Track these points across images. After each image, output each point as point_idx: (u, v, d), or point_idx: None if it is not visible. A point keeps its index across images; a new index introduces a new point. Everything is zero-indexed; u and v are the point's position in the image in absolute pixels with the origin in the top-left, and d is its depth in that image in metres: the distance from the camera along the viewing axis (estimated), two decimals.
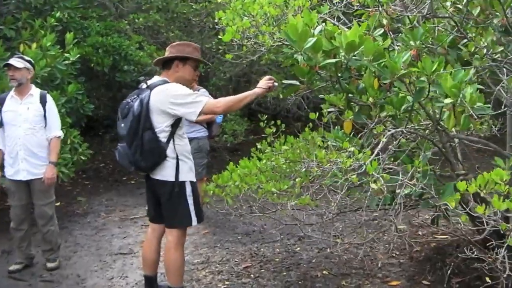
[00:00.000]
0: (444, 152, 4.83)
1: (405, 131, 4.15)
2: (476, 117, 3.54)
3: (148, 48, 10.26)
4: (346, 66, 4.08)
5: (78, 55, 8.21)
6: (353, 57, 4.04)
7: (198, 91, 7.50)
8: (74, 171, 7.74)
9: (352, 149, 3.60)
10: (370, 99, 4.01)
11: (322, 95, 4.74)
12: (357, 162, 3.48)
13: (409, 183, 3.59)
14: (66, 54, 8.07)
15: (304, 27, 3.92)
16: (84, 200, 8.95)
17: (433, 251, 5.76)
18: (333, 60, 4.02)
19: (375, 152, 3.75)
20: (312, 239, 6.21)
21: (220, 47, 10.21)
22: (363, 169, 3.50)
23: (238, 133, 10.73)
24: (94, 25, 9.91)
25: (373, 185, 3.38)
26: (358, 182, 3.67)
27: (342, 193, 3.84)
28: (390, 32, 4.83)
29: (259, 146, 5.03)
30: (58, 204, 8.56)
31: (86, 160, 8.14)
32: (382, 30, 4.59)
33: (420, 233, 6.44)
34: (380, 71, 4.18)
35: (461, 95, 3.56)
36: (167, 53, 4.77)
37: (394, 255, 5.82)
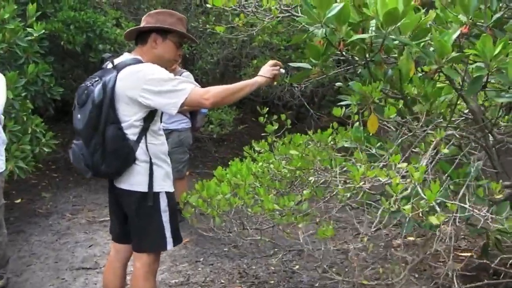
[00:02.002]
0: (492, 159, 3.79)
1: (457, 135, 3.10)
2: None
3: (126, 26, 9.05)
4: (381, 45, 3.00)
5: (44, 31, 7.06)
6: (390, 33, 2.97)
7: (181, 75, 6.41)
8: (34, 165, 6.61)
9: (403, 165, 2.53)
10: (414, 90, 2.95)
11: (340, 83, 3.68)
12: (406, 182, 2.41)
13: (478, 214, 2.52)
14: (29, 29, 6.90)
15: None
16: (49, 197, 7.80)
17: None
18: (366, 36, 2.95)
19: (423, 164, 2.70)
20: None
21: (208, 25, 9.09)
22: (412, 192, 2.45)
23: (226, 123, 9.63)
24: None
25: (433, 219, 2.32)
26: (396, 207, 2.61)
27: (377, 220, 2.76)
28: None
29: (256, 148, 3.94)
30: (19, 201, 7.54)
31: (50, 152, 7.00)
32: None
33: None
34: (424, 53, 3.12)
35: None
36: (143, 23, 3.66)
37: None
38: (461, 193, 2.99)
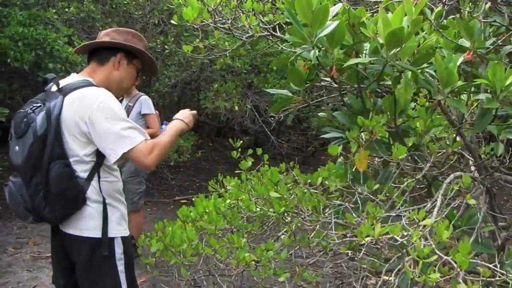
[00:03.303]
0: (493, 200, 3.39)
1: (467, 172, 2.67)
2: None
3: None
4: (382, 71, 2.56)
5: None
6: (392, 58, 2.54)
7: (138, 98, 5.90)
8: None
9: (428, 222, 2.07)
10: (419, 124, 2.52)
11: (324, 113, 3.24)
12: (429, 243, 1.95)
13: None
14: None
15: (322, 2, 2.39)
16: None
17: None
18: (366, 60, 2.51)
19: (434, 213, 2.26)
20: None
21: (166, 46, 8.61)
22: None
23: (184, 150, 9.08)
24: (16, 14, 8.14)
25: None
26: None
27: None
28: None
29: (228, 187, 3.45)
30: None
31: None
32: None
33: None
34: (426, 82, 2.70)
35: None
36: (106, 38, 3.12)
37: None
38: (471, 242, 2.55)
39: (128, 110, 5.83)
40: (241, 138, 8.34)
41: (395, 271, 2.19)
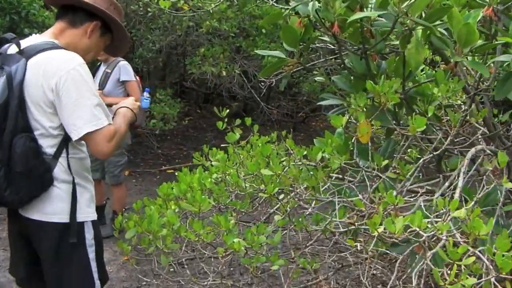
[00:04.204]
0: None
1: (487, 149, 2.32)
2: None
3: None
4: (392, 27, 2.19)
5: None
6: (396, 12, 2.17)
7: (116, 64, 5.50)
8: None
9: (461, 213, 1.71)
10: (437, 90, 2.16)
11: (321, 78, 2.87)
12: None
13: None
14: None
15: None
16: None
17: None
18: (372, 14, 2.13)
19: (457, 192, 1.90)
20: None
21: (149, 9, 8.15)
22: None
23: (169, 118, 8.68)
24: None
25: None
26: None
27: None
28: None
29: (213, 161, 3.10)
30: None
31: None
32: None
33: None
34: (440, 41, 2.33)
35: None
36: None
37: None
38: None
39: (106, 77, 5.45)
40: (229, 105, 7.89)
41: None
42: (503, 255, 1.50)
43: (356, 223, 2.09)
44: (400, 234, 1.67)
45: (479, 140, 3.29)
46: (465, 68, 3.03)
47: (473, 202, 2.11)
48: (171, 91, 9.40)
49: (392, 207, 1.82)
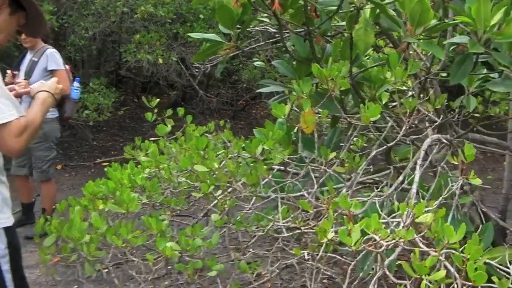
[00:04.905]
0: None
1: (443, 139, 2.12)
2: None
3: None
4: (339, 5, 1.96)
5: None
6: None
7: (44, 52, 5.14)
8: None
9: (428, 219, 1.48)
10: (390, 75, 1.94)
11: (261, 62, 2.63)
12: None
13: None
14: None
15: None
16: None
17: None
18: None
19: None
20: None
21: None
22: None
23: (104, 108, 8.31)
24: None
25: None
26: None
27: None
28: None
29: (143, 157, 2.83)
30: None
31: None
32: None
33: None
34: (391, 20, 2.12)
35: None
36: None
37: None
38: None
39: (32, 66, 5.08)
40: (168, 94, 7.55)
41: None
42: (475, 267, 1.29)
43: (302, 228, 1.86)
44: (358, 247, 1.44)
45: (428, 128, 3.12)
46: (412, 51, 2.85)
47: (428, 195, 1.92)
48: (106, 80, 9.02)
49: (346, 211, 1.59)
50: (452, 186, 2.18)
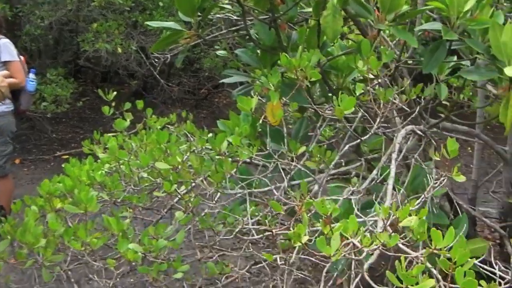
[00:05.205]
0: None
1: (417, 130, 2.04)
2: None
3: None
4: None
5: None
6: None
7: None
8: None
9: (412, 222, 1.38)
10: (362, 64, 1.84)
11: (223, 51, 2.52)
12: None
13: None
14: None
15: None
16: None
17: None
18: None
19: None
20: None
21: None
22: None
23: (62, 99, 8.08)
24: None
25: None
26: None
27: None
28: None
29: (100, 153, 2.69)
30: None
31: None
32: None
33: None
34: (360, 6, 2.02)
35: None
36: None
37: None
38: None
39: None
40: (128, 83, 7.35)
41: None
42: (464, 272, 1.20)
43: (273, 231, 1.76)
44: (339, 256, 1.34)
45: (396, 117, 3.04)
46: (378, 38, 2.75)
47: (402, 189, 1.83)
48: (64, 71, 8.76)
49: (323, 215, 1.49)
50: (430, 181, 2.10)
